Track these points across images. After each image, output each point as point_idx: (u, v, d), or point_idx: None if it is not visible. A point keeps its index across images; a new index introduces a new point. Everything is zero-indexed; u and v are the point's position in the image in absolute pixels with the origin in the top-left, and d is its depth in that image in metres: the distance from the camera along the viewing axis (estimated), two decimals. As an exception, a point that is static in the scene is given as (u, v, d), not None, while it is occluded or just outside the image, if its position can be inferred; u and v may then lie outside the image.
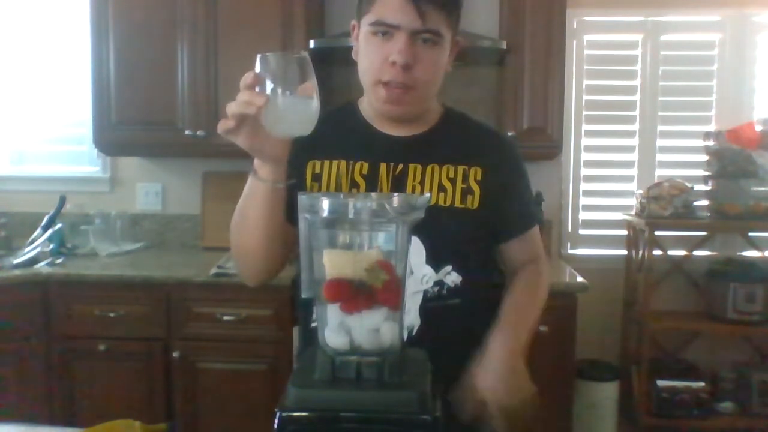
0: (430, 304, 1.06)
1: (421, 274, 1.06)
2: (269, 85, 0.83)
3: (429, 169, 1.09)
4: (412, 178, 1.08)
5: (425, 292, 1.06)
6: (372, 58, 1.03)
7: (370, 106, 1.11)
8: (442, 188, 1.09)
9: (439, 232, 1.02)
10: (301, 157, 1.05)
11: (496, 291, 1.15)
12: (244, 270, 1.13)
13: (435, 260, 1.06)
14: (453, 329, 1.05)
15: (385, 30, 1.00)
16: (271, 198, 0.97)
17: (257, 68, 0.84)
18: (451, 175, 1.09)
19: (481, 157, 1.12)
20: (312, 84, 0.84)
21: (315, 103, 0.85)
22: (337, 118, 1.14)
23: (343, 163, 1.09)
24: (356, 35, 1.09)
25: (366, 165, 1.09)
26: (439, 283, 1.07)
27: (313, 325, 1.09)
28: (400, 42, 0.99)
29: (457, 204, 1.09)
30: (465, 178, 1.10)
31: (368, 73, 1.05)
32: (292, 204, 0.95)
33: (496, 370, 0.95)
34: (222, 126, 0.88)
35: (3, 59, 2.97)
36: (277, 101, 0.83)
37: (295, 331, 2.26)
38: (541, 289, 1.16)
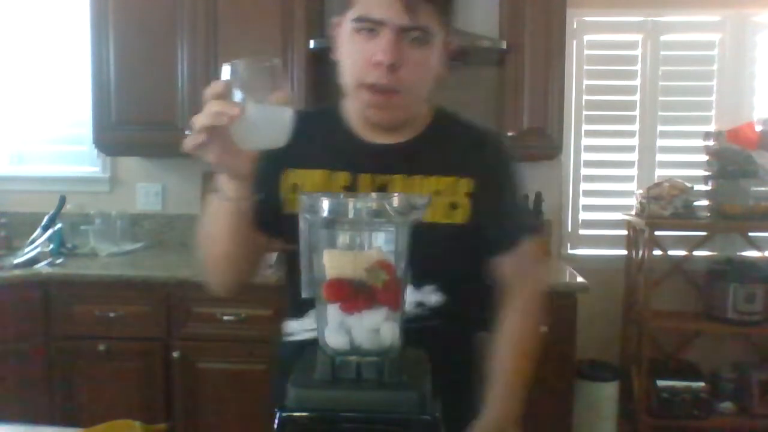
0: (408, 326, 0.98)
1: None
2: (238, 95, 0.78)
3: (414, 180, 1.01)
4: (396, 190, 1.00)
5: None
6: (355, 57, 0.95)
7: (353, 110, 1.04)
8: None
9: (421, 250, 0.83)
10: (274, 165, 0.97)
11: (482, 311, 1.10)
12: (214, 282, 1.08)
13: (417, 279, 0.97)
14: (431, 353, 0.98)
15: (369, 27, 0.92)
16: (238, 215, 0.92)
17: (225, 77, 0.79)
18: (439, 187, 1.01)
19: (472, 166, 1.04)
20: (284, 93, 0.79)
21: (288, 114, 0.80)
22: (317, 122, 1.05)
23: (322, 173, 1.02)
24: (338, 33, 1.01)
25: (346, 175, 1.01)
26: (420, 304, 1.00)
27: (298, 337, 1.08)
28: (386, 40, 0.91)
29: (442, 219, 1.00)
30: (454, 192, 1.02)
31: (350, 75, 0.97)
32: (261, 212, 0.93)
33: None
34: (192, 142, 0.81)
35: (3, 59, 2.97)
36: (247, 112, 0.77)
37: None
38: (531, 327, 1.09)
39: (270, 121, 0.79)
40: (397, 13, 0.90)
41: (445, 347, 0.95)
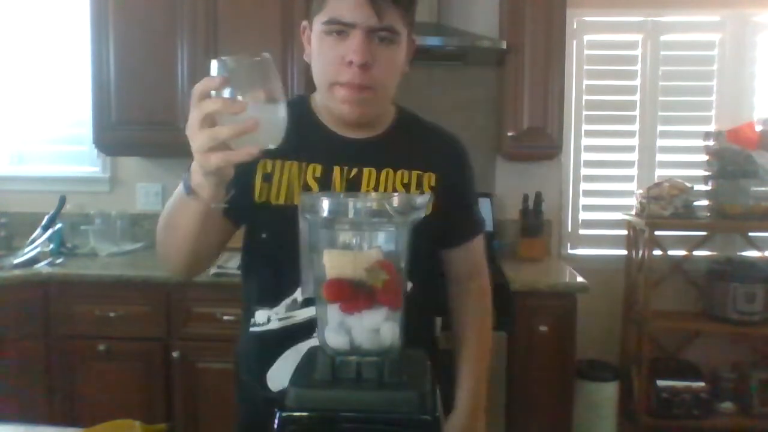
0: None
1: None
2: (227, 94, 0.73)
3: (383, 173, 1.06)
4: (366, 182, 1.05)
5: None
6: (327, 58, 0.98)
7: (325, 107, 1.07)
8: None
9: None
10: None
11: (438, 297, 1.19)
12: (173, 270, 1.07)
13: None
14: None
15: (339, 29, 0.95)
16: (207, 213, 0.90)
17: (213, 74, 0.74)
18: (405, 180, 1.08)
19: (435, 163, 1.11)
20: (278, 89, 0.76)
21: (283, 111, 0.76)
22: (290, 113, 1.09)
23: (295, 164, 1.05)
24: (307, 36, 1.04)
25: (319, 167, 1.05)
26: None
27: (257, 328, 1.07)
28: (356, 41, 0.94)
29: None
30: (419, 184, 1.08)
31: (323, 75, 1.00)
32: (232, 202, 0.89)
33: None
34: (224, 159, 0.75)
35: (3, 59, 2.97)
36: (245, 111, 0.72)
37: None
38: (488, 323, 1.23)
39: (267, 119, 0.74)
40: (367, 15, 0.94)
41: (412, 333, 0.99)
